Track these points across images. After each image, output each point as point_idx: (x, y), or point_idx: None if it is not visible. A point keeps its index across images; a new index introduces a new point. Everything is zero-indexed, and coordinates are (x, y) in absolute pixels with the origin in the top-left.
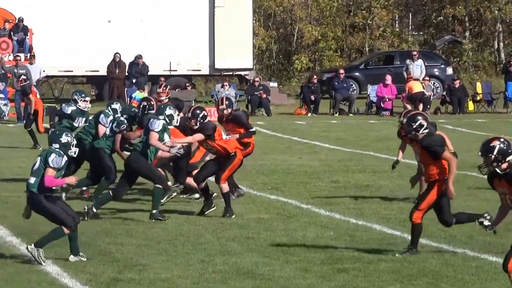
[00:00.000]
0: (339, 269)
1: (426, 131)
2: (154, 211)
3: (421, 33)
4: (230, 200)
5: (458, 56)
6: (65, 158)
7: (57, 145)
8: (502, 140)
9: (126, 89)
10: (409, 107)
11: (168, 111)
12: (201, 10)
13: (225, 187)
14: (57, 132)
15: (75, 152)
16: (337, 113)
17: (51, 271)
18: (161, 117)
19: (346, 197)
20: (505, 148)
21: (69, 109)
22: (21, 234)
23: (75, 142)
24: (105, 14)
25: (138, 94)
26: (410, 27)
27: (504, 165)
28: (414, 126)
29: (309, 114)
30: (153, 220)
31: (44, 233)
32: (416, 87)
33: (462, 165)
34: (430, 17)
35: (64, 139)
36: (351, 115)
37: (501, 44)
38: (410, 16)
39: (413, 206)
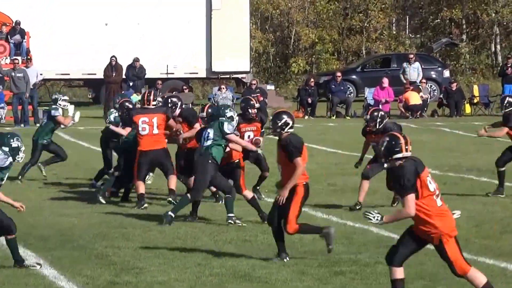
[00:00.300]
0: (336, 272)
1: (291, 130)
2: (169, 212)
3: (418, 36)
4: (258, 204)
5: (455, 59)
6: (11, 159)
7: (6, 148)
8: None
9: (123, 92)
10: (406, 113)
11: (229, 113)
12: (198, 13)
13: (249, 193)
14: (8, 136)
15: (22, 157)
16: (334, 116)
17: (48, 274)
18: (222, 119)
19: (343, 200)
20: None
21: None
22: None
23: (23, 148)
24: (102, 17)
25: (135, 97)
26: (407, 30)
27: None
28: (279, 124)
29: (306, 117)
30: (164, 224)
31: (41, 236)
32: (413, 98)
33: (459, 168)
34: (427, 20)
35: (14, 143)
36: (348, 118)
37: (498, 46)
38: (407, 19)
39: (283, 221)
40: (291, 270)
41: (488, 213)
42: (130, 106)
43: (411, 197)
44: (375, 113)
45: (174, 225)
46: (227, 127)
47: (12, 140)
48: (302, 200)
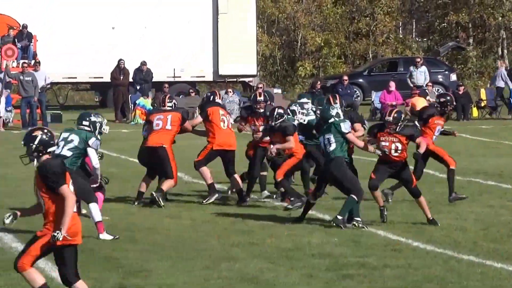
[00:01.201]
0: (344, 275)
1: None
2: (339, 217)
3: (424, 39)
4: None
5: (463, 62)
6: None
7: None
8: (45, 131)
9: (130, 95)
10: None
11: (333, 111)
12: (205, 16)
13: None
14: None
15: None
16: None
17: (56, 277)
18: (336, 120)
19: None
20: (47, 139)
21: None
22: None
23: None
24: (109, 21)
25: (142, 101)
26: (413, 33)
27: (45, 157)
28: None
29: None
30: (334, 224)
31: None
32: (419, 104)
33: (466, 171)
34: (433, 24)
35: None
36: None
37: (505, 50)
38: (414, 22)
39: None
40: (298, 273)
41: (496, 216)
42: None
43: (65, 187)
44: (397, 115)
45: (181, 228)
46: (344, 127)
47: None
48: None
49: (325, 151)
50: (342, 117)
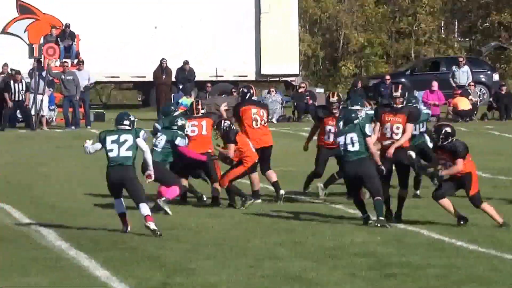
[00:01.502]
0: (387, 274)
1: None
2: (381, 218)
3: (467, 39)
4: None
5: (505, 62)
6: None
7: (175, 127)
8: None
9: (172, 95)
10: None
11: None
12: (247, 16)
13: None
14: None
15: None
16: None
17: (100, 276)
18: (361, 121)
19: (393, 203)
20: None
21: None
22: (70, 239)
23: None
24: (151, 20)
25: (185, 100)
26: (456, 33)
27: None
28: None
29: None
30: (379, 225)
31: (92, 237)
32: (462, 104)
33: (509, 171)
34: (476, 24)
35: (179, 122)
36: None
37: None
38: (456, 22)
39: None
40: (342, 272)
41: None
42: None
43: None
44: (440, 128)
45: (224, 227)
46: (368, 129)
47: (176, 121)
48: None
49: (344, 149)
50: (366, 119)
